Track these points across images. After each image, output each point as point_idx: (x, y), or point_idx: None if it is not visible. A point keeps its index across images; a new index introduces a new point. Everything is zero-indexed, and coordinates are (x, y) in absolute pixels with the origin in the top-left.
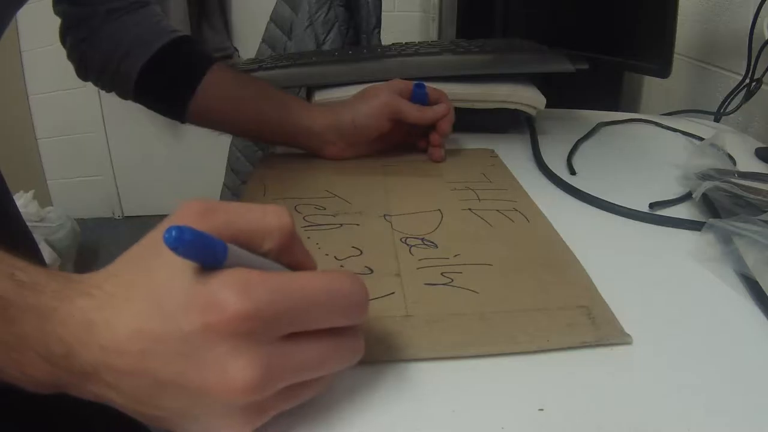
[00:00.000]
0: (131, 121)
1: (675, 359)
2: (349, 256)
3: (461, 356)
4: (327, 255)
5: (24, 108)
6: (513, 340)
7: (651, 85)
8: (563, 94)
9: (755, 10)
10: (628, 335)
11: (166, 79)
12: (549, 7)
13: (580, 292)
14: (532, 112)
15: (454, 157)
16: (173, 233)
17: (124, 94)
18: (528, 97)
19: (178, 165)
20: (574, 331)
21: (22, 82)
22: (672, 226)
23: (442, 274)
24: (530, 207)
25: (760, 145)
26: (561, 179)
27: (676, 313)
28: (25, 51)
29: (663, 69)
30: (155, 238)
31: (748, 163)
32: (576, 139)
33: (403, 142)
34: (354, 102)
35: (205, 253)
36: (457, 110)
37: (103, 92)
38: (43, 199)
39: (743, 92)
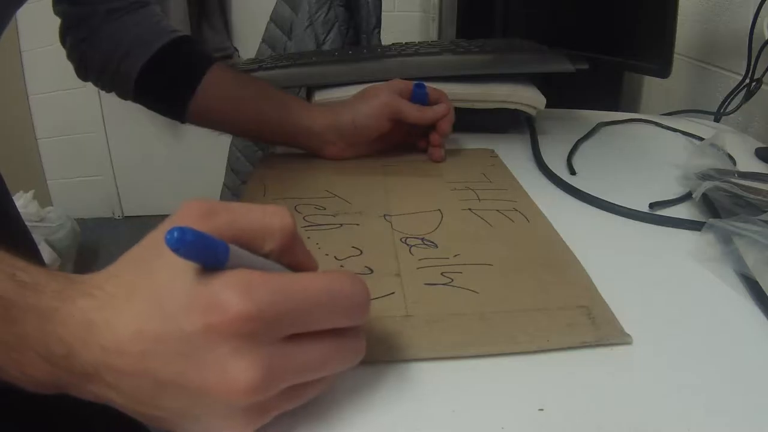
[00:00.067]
0: (131, 121)
1: (675, 359)
2: (349, 256)
3: (461, 356)
4: (327, 255)
5: (24, 108)
6: (513, 340)
7: (651, 85)
8: (563, 94)
9: (755, 10)
10: (628, 335)
11: (166, 79)
12: (549, 7)
13: (580, 292)
14: (532, 112)
15: (454, 157)
16: (175, 234)
17: (124, 94)
18: (528, 97)
19: (178, 165)
20: (574, 331)
21: (22, 82)
22: (672, 226)
23: (442, 274)
24: (530, 207)
25: (760, 145)
26: (561, 179)
27: (676, 313)
28: (25, 51)
29: (663, 69)
30: (156, 238)
31: (748, 163)
32: (576, 139)
33: (403, 142)
34: (354, 102)
35: (207, 254)
36: (457, 110)
37: (103, 92)
38: (43, 199)
39: (743, 92)
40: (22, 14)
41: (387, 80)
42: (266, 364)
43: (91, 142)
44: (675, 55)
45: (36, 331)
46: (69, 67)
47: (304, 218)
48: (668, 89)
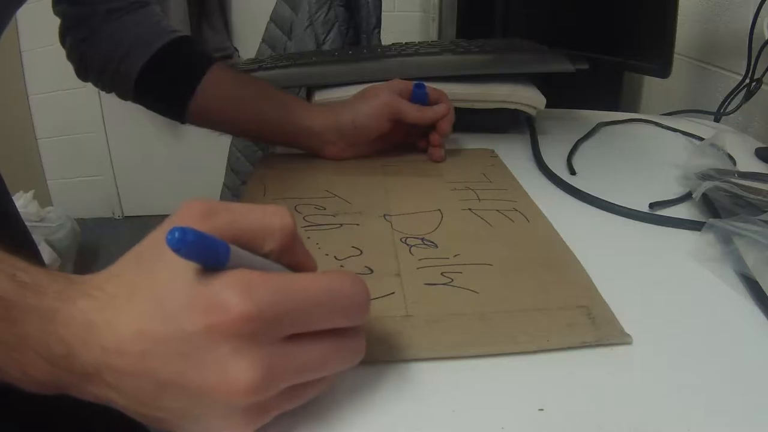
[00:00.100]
0: (131, 121)
1: (675, 359)
2: (349, 256)
3: (461, 356)
4: (327, 255)
5: (24, 108)
6: (513, 340)
7: (651, 85)
8: (563, 94)
9: (755, 10)
10: (628, 335)
11: (166, 79)
12: (549, 7)
13: (580, 292)
14: (532, 112)
15: (454, 157)
16: (176, 234)
17: (123, 95)
18: (528, 97)
19: (178, 165)
20: (574, 331)
21: (22, 82)
22: (672, 226)
23: (442, 274)
24: (530, 207)
25: (760, 145)
26: (561, 179)
27: (676, 313)
28: (25, 51)
29: (663, 69)
30: (157, 238)
31: (748, 163)
32: (576, 139)
33: (403, 142)
34: (354, 102)
35: (208, 254)
36: (457, 110)
37: (103, 92)
38: (43, 199)
39: (743, 92)
40: (22, 14)
41: (387, 80)
42: (266, 364)
43: (91, 142)
44: (675, 55)
45: (36, 331)
46: (69, 67)
47: (304, 218)
48: (668, 89)
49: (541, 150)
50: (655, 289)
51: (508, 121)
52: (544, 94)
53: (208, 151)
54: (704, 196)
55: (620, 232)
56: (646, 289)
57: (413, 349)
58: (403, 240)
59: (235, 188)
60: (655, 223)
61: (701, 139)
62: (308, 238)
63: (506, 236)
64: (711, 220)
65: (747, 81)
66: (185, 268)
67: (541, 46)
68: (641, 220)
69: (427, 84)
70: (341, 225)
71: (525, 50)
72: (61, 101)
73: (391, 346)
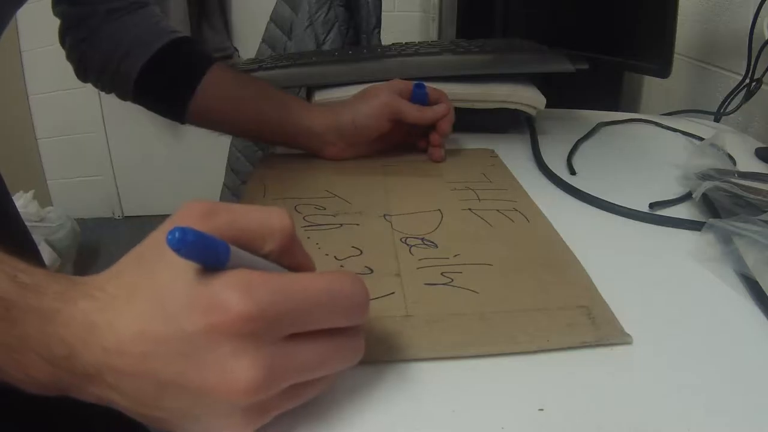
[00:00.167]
0: (131, 121)
1: (675, 359)
2: (349, 256)
3: (461, 356)
4: (327, 255)
5: (24, 108)
6: (513, 340)
7: (651, 85)
8: (563, 94)
9: (755, 10)
10: (628, 335)
11: (166, 79)
12: (549, 7)
13: (580, 292)
14: (532, 112)
15: (454, 157)
16: (176, 234)
17: (123, 95)
18: (528, 97)
19: (178, 165)
20: (574, 331)
21: (22, 82)
22: (672, 226)
23: (442, 274)
24: (530, 207)
25: (760, 145)
26: (561, 179)
27: (676, 313)
28: (25, 51)
29: (663, 69)
30: (157, 239)
31: (748, 163)
32: (576, 139)
33: (403, 142)
34: (354, 102)
35: (208, 255)
36: (457, 110)
37: (103, 92)
38: (43, 199)
39: (743, 92)
40: (22, 14)
41: (387, 80)
42: (267, 364)
43: (91, 142)
44: (675, 55)
45: (37, 332)
46: (69, 67)
47: (304, 218)
48: (668, 89)
49: (541, 150)
50: (655, 289)
51: (508, 121)
52: (544, 94)
53: (208, 151)
54: (704, 196)
55: (620, 232)
56: (646, 289)
57: (413, 349)
58: (403, 240)
59: (235, 188)
60: (655, 223)
61: (701, 139)
62: (308, 238)
63: (506, 236)
64: (711, 220)
65: (747, 81)
66: (185, 268)
67: (541, 46)
68: (641, 220)
69: (427, 84)
70: (341, 225)
71: (525, 50)
72: (61, 101)
73: (391, 346)
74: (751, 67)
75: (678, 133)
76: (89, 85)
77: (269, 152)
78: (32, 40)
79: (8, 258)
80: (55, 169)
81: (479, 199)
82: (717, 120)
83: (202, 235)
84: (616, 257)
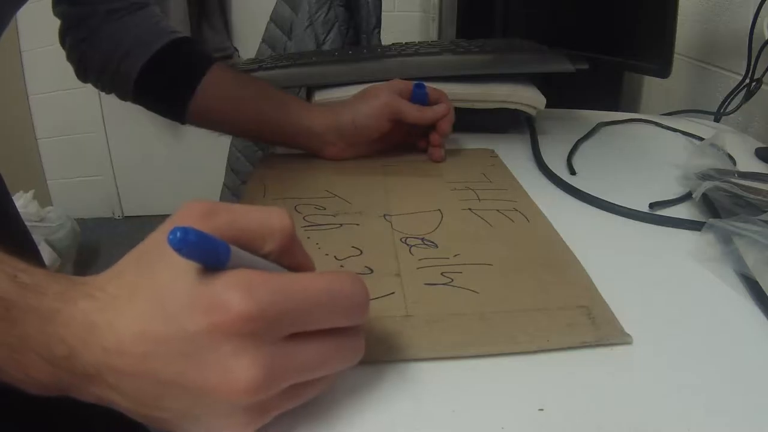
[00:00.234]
0: (131, 121)
1: (675, 359)
2: (349, 256)
3: (461, 356)
4: (327, 255)
5: (24, 108)
6: (513, 340)
7: (651, 85)
8: (563, 94)
9: (755, 10)
10: (628, 335)
11: (166, 80)
12: (549, 7)
13: (580, 292)
14: (532, 112)
15: (454, 157)
16: (177, 234)
17: (123, 95)
18: (528, 97)
19: (178, 165)
20: (574, 331)
21: (22, 82)
22: (672, 226)
23: (442, 274)
24: (530, 207)
25: (760, 145)
26: (561, 179)
27: (676, 313)
28: (25, 51)
29: (663, 69)
30: (158, 239)
31: (748, 163)
32: (576, 139)
33: (403, 142)
34: (354, 102)
35: (209, 254)
36: (457, 110)
37: (103, 92)
38: (43, 199)
39: (743, 92)
40: (22, 14)
41: (387, 80)
42: (267, 364)
43: (91, 142)
44: (675, 55)
45: (37, 332)
46: (69, 67)
47: (304, 218)
48: (668, 89)
49: (541, 150)
50: (655, 289)
51: (508, 121)
52: (544, 94)
53: (208, 151)
54: (704, 196)
55: (620, 232)
56: (646, 289)
57: (413, 349)
58: (403, 240)
59: (235, 188)
60: (655, 223)
61: (701, 139)
62: (308, 238)
63: (506, 236)
64: (711, 220)
65: (747, 81)
66: (186, 268)
67: (541, 46)
68: (641, 220)
69: (427, 84)
70: (341, 225)
71: (525, 50)
72: (61, 101)
73: (391, 346)
74: (751, 67)
75: (678, 133)
76: (89, 85)
77: (269, 152)
78: (32, 40)
79: (8, 258)
80: (55, 169)
81: (479, 199)
82: (717, 120)
83: (204, 235)
84: (616, 257)
